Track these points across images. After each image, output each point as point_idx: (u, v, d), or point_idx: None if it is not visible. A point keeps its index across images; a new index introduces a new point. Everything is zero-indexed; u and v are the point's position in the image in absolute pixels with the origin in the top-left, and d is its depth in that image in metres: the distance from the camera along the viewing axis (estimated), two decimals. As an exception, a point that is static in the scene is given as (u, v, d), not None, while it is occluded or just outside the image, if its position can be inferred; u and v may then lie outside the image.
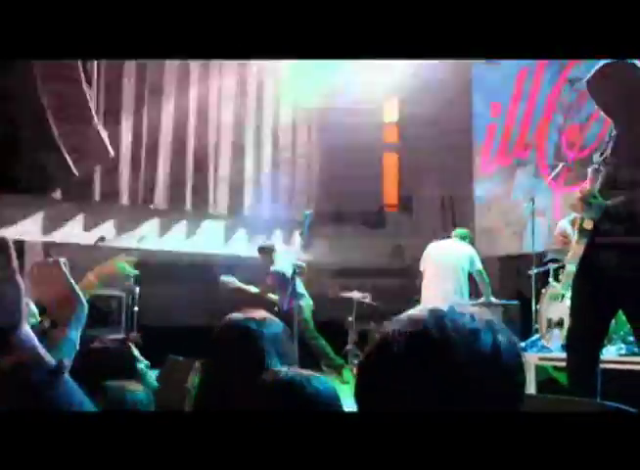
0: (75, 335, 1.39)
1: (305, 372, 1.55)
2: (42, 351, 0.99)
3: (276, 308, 8.32)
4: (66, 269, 1.45)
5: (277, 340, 1.87)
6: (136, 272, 3.87)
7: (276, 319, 1.97)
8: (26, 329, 0.99)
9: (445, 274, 7.42)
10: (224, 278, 8.57)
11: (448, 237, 7.85)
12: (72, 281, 1.45)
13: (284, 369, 1.55)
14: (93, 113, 8.52)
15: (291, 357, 1.86)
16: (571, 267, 3.85)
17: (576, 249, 3.67)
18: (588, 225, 3.61)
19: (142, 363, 2.46)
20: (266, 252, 8.72)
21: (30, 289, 1.40)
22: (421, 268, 7.67)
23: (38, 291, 1.44)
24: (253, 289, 8.60)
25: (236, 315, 1.93)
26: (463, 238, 7.80)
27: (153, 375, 2.59)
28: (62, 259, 1.45)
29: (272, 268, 8.47)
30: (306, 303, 8.54)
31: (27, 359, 0.97)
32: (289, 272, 8.04)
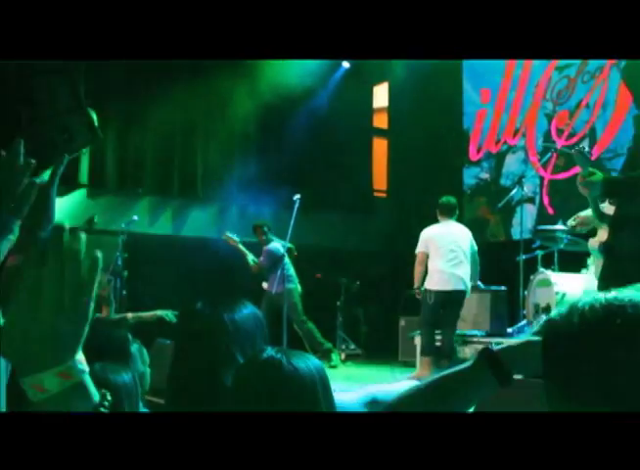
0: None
1: (291, 351, 1.52)
2: None
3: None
4: None
5: (246, 325, 1.84)
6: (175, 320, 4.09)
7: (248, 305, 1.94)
8: None
9: (455, 258, 7.05)
10: (228, 234, 8.57)
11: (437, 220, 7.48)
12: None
13: (269, 349, 1.52)
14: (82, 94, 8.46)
15: (258, 342, 1.81)
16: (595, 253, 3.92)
17: (600, 234, 3.75)
18: (609, 210, 3.68)
19: (134, 346, 2.48)
20: (261, 229, 8.60)
21: None
22: (418, 250, 7.29)
23: None
24: (250, 257, 8.52)
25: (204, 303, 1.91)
26: (451, 210, 7.31)
27: (146, 357, 2.61)
28: None
29: (267, 246, 8.39)
30: (295, 286, 8.54)
31: None
32: (281, 252, 8.11)
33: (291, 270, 8.46)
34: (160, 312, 4.03)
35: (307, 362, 1.48)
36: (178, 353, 1.89)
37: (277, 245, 8.32)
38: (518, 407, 1.20)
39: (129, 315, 4.12)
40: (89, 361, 2.00)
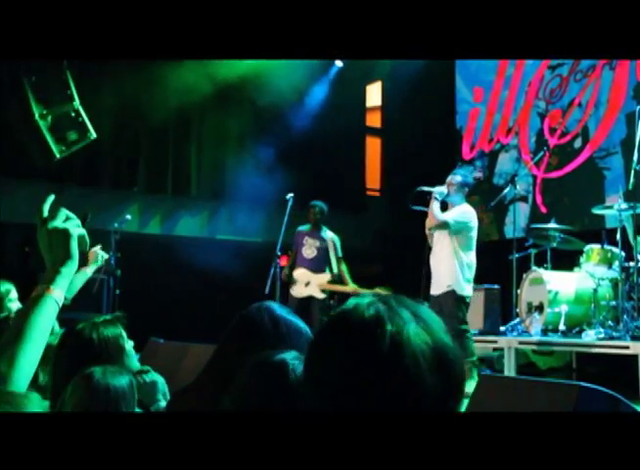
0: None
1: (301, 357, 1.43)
2: None
3: (331, 302, 7.75)
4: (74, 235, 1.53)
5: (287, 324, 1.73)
6: (106, 256, 4.02)
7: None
8: None
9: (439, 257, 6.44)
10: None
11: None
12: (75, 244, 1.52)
13: (277, 352, 1.45)
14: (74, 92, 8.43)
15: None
16: None
17: None
18: None
19: (129, 344, 2.47)
20: (314, 210, 7.63)
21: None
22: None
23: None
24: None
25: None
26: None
27: (135, 356, 2.60)
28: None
29: (331, 236, 7.78)
30: None
31: None
32: None
33: None
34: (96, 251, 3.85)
35: None
36: (223, 354, 1.78)
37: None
38: (516, 407, 1.21)
39: (87, 270, 3.93)
40: (88, 362, 1.98)
